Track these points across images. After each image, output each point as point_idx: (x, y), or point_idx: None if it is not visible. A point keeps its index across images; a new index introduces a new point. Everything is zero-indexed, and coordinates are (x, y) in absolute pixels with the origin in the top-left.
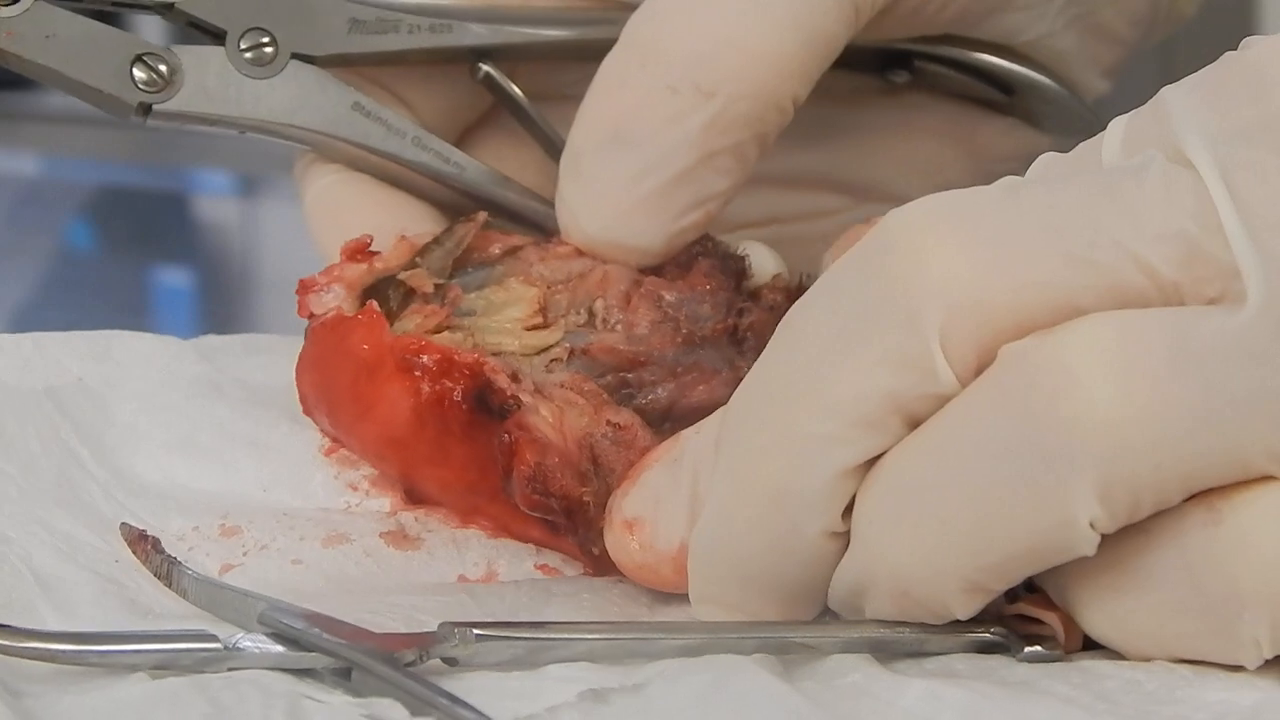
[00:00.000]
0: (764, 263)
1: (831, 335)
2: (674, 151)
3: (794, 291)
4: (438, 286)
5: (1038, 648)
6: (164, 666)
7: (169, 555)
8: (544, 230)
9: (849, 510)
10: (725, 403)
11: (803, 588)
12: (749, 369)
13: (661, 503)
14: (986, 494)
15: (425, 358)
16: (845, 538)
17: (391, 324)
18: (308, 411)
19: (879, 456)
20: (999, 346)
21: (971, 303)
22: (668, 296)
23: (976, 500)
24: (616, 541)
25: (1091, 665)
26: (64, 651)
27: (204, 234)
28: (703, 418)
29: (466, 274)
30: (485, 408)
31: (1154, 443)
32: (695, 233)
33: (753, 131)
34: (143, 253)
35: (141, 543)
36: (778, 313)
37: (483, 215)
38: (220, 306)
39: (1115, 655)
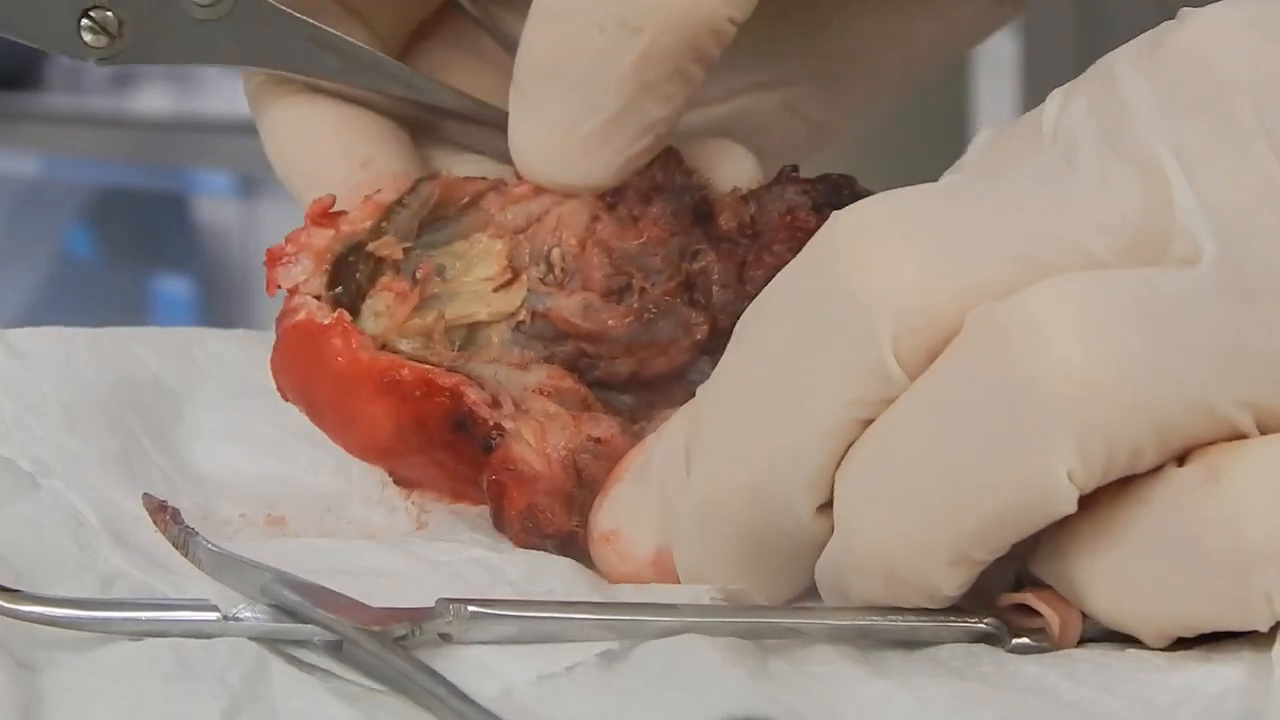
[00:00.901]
0: (737, 166)
1: (788, 345)
2: (609, 90)
3: (747, 223)
4: (406, 250)
5: (1025, 639)
6: (163, 634)
7: (186, 526)
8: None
9: (826, 505)
10: (684, 371)
11: (786, 581)
12: (704, 327)
13: (633, 513)
14: (962, 458)
15: (405, 377)
16: (824, 531)
17: (362, 299)
18: (287, 400)
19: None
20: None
21: (920, 309)
22: (618, 248)
23: (952, 466)
24: (598, 554)
25: (1075, 654)
26: (63, 617)
27: (204, 235)
28: (663, 386)
29: (433, 231)
30: (467, 433)
31: (1122, 393)
32: (649, 154)
33: (690, 56)
34: (142, 254)
35: (161, 512)
36: (733, 255)
37: (444, 174)
38: (220, 308)
39: (1110, 647)
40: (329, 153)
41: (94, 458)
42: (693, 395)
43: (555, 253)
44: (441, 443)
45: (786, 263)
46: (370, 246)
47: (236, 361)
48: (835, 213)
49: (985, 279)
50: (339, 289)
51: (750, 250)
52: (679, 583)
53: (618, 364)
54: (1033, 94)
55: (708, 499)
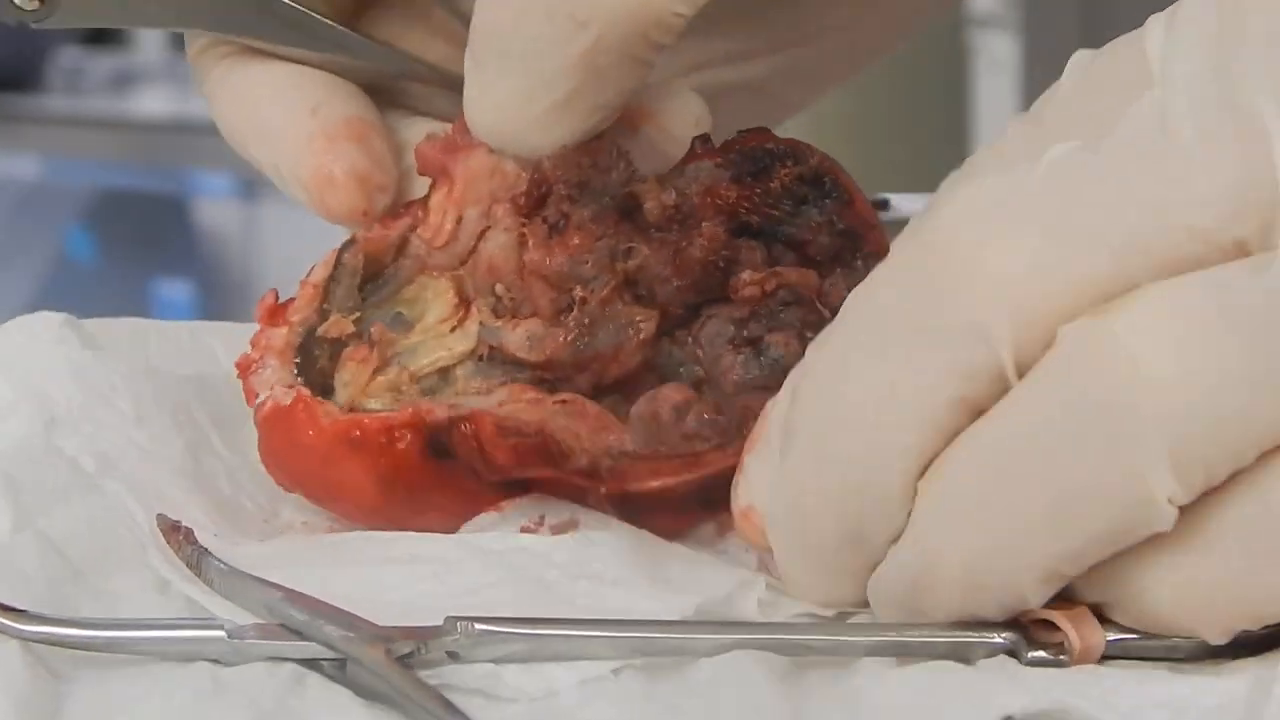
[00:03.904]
0: (685, 106)
1: (894, 339)
2: (559, 75)
3: (671, 208)
4: (357, 322)
5: (1042, 653)
6: (165, 655)
7: (199, 546)
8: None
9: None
10: (642, 371)
11: (863, 580)
12: (650, 323)
13: (762, 490)
14: (1060, 480)
15: (367, 428)
16: None
17: (332, 377)
18: (287, 490)
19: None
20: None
21: (1032, 304)
22: (551, 269)
23: (1051, 487)
24: (741, 530)
25: (1082, 668)
26: (72, 638)
27: (204, 237)
28: (626, 388)
29: (377, 288)
30: (442, 450)
31: (1217, 410)
32: (600, 128)
33: (640, 46)
34: (143, 256)
35: (174, 533)
36: (665, 242)
37: (360, 234)
38: (220, 309)
39: (1128, 665)
40: (277, 103)
41: (160, 455)
42: (667, 380)
43: (499, 287)
44: (425, 485)
45: (720, 241)
46: (320, 331)
47: None
48: (938, 199)
49: (1094, 268)
50: (306, 376)
51: (681, 235)
52: None
53: (577, 381)
54: (1033, 94)
55: (801, 490)
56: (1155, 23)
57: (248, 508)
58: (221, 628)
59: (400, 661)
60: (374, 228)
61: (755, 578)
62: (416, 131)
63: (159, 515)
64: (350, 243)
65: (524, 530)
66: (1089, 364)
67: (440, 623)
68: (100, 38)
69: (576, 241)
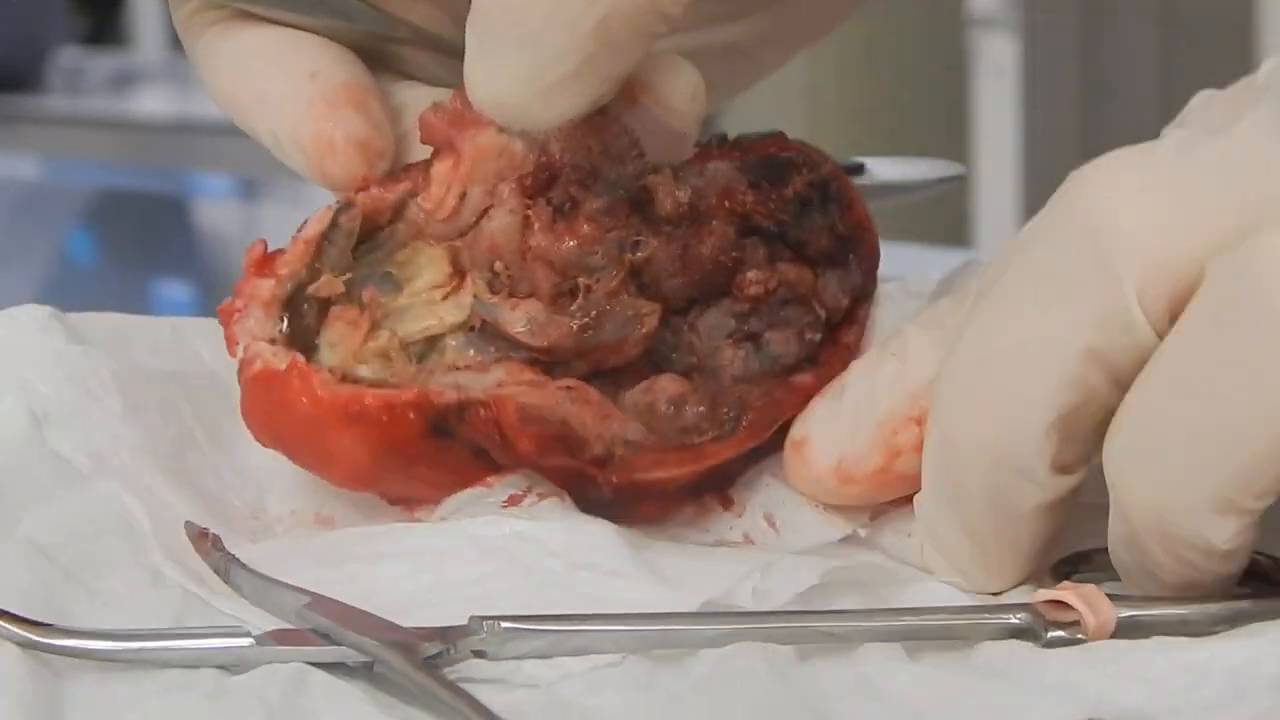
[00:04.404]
0: (680, 77)
1: (1029, 295)
2: (569, 50)
3: (684, 204)
4: (348, 282)
5: (1061, 633)
6: (196, 664)
7: (228, 553)
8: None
9: (1065, 462)
10: (641, 363)
11: (1025, 538)
12: (654, 316)
13: (823, 423)
14: (1221, 404)
15: (368, 405)
16: (1063, 488)
17: (316, 333)
18: (265, 447)
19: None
20: (1188, 296)
21: (1164, 259)
22: (557, 256)
23: (1212, 414)
24: (787, 463)
25: (1099, 644)
26: (100, 650)
27: (204, 237)
28: (623, 378)
29: (370, 250)
30: (445, 431)
31: None
32: (604, 100)
33: (654, 18)
34: (143, 257)
35: (203, 540)
36: (674, 238)
37: (359, 197)
38: None
39: (1139, 636)
40: (274, 68)
41: (150, 452)
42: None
43: (497, 265)
44: (420, 459)
45: (729, 241)
46: (310, 289)
47: None
48: (1078, 171)
49: (1222, 226)
50: (291, 330)
51: (691, 233)
52: (857, 494)
53: (573, 365)
54: (1033, 94)
55: (949, 454)
56: (1270, 64)
57: (235, 504)
58: (248, 634)
59: (428, 663)
60: (372, 190)
61: (752, 570)
62: (408, 96)
63: (187, 523)
64: (348, 205)
65: (510, 500)
66: (1240, 282)
67: (464, 621)
68: (100, 38)
69: (586, 231)
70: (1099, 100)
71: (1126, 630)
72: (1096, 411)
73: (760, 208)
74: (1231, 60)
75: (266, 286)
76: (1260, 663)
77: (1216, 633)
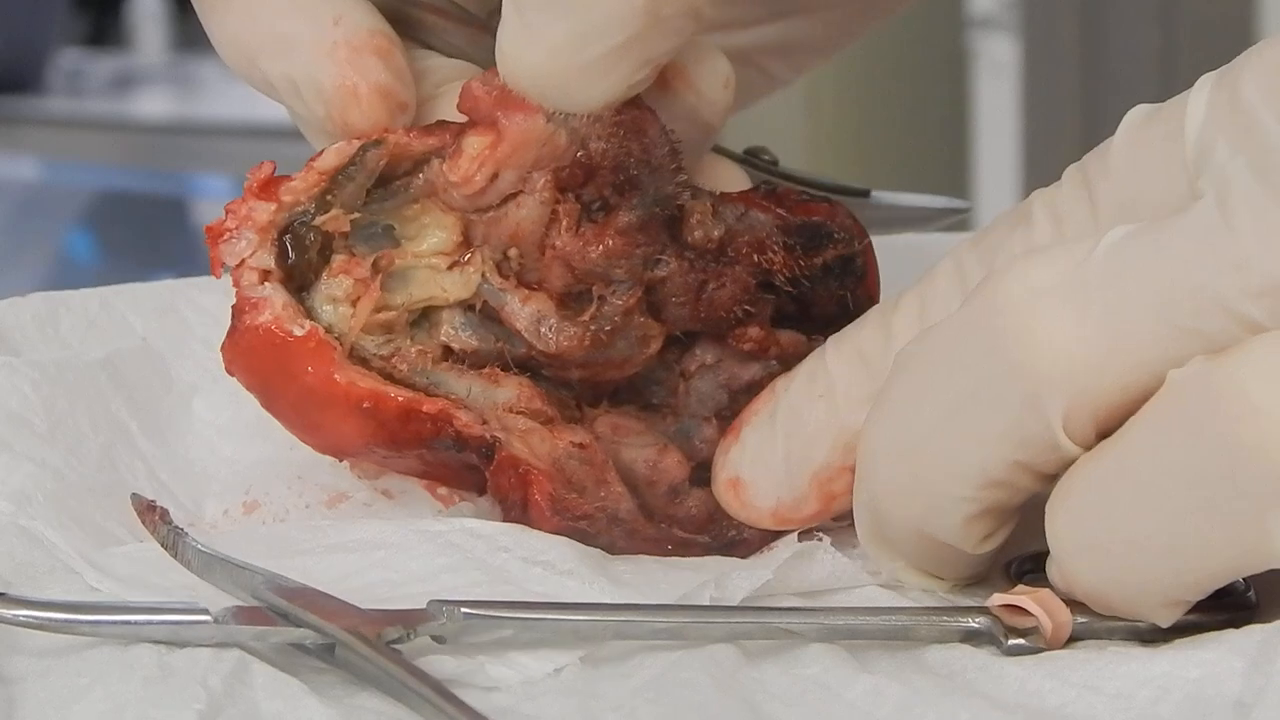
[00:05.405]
0: (714, 67)
1: (954, 400)
2: (621, 21)
3: (714, 240)
4: (354, 223)
5: (1021, 640)
6: (152, 638)
7: (175, 526)
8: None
9: (985, 536)
10: (637, 379)
11: (968, 565)
12: (659, 339)
13: (758, 463)
14: (1179, 521)
15: (386, 408)
16: (991, 549)
17: (314, 275)
18: (235, 378)
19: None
20: (1114, 418)
21: (1089, 385)
22: (579, 262)
23: (1169, 527)
24: (722, 496)
25: (1059, 653)
26: (54, 620)
27: (204, 239)
28: (614, 396)
29: (380, 196)
30: (457, 449)
31: None
32: (642, 87)
33: None
34: (142, 257)
35: (150, 513)
36: (695, 268)
37: (391, 138)
38: None
39: (1095, 644)
40: (297, 12)
41: (77, 472)
42: (647, 393)
43: (513, 251)
44: (413, 454)
45: (748, 292)
46: (317, 221)
47: (224, 315)
48: (998, 272)
49: (1153, 354)
50: (289, 261)
51: (713, 270)
52: (797, 528)
53: (569, 372)
54: (1033, 94)
55: (879, 517)
56: (1196, 94)
57: (171, 509)
58: (206, 612)
59: (389, 647)
60: (402, 135)
61: (707, 580)
62: (429, 65)
63: (133, 495)
64: (377, 143)
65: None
66: (1207, 405)
67: (423, 606)
68: (101, 39)
69: (615, 243)
70: (1099, 100)
71: (1083, 635)
72: (1023, 494)
73: (786, 270)
74: (1231, 60)
75: (265, 211)
76: (1220, 681)
77: (1169, 641)
